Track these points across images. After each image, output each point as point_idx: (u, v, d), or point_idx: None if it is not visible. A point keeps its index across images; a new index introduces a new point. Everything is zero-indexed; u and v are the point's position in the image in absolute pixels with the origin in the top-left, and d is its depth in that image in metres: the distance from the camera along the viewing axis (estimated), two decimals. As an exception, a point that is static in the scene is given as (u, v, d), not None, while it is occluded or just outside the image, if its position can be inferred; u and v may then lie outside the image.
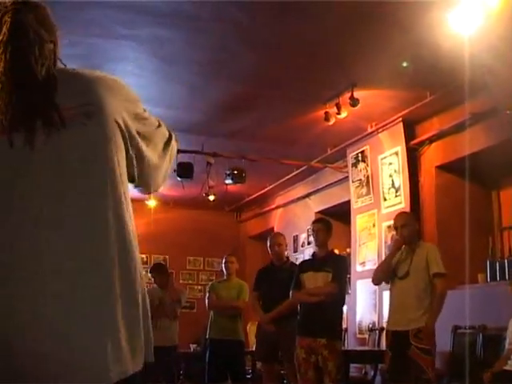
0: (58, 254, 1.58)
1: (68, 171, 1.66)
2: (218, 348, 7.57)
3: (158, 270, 8.17)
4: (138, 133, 1.85)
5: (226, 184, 9.44)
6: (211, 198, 10.40)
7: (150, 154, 1.91)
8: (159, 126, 1.98)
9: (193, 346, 11.38)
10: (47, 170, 1.64)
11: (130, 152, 1.82)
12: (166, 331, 7.51)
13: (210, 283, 8.46)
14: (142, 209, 10.85)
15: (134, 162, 1.84)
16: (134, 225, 1.77)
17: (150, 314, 1.76)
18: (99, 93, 1.75)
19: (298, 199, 11.17)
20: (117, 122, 1.75)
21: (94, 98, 1.73)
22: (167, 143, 2.00)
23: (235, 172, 9.07)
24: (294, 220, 11.34)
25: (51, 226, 1.61)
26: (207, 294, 8.02)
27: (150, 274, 8.19)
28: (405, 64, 6.28)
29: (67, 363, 1.54)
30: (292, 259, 8.36)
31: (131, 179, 1.86)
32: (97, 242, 1.64)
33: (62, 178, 1.65)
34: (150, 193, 2.07)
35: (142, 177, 1.90)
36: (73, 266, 1.59)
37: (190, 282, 13.44)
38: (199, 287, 13.41)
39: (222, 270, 8.22)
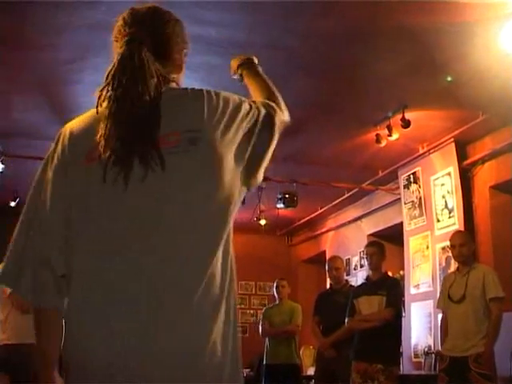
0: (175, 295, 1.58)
1: (168, 209, 1.62)
2: (274, 373, 7.56)
3: None
4: (249, 134, 1.79)
5: (278, 208, 9.46)
6: (262, 222, 10.43)
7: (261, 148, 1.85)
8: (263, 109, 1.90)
9: (246, 371, 11.35)
10: (142, 207, 1.63)
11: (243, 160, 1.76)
12: None
13: (264, 309, 8.45)
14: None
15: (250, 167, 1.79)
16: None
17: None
18: (203, 117, 1.70)
19: (350, 222, 11.11)
20: (221, 145, 1.69)
21: (198, 124, 1.69)
22: (272, 124, 1.91)
23: (287, 196, 9.09)
24: (346, 243, 11.29)
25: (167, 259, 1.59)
26: (260, 322, 8.02)
27: None
28: (449, 79, 6.23)
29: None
30: (345, 282, 8.32)
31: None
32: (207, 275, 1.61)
33: (161, 216, 1.62)
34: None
35: (255, 175, 1.84)
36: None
37: (242, 306, 13.42)
38: (251, 311, 13.39)
39: (273, 295, 8.22)
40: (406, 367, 8.47)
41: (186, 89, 1.79)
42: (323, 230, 12.22)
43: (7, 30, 5.44)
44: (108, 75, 1.73)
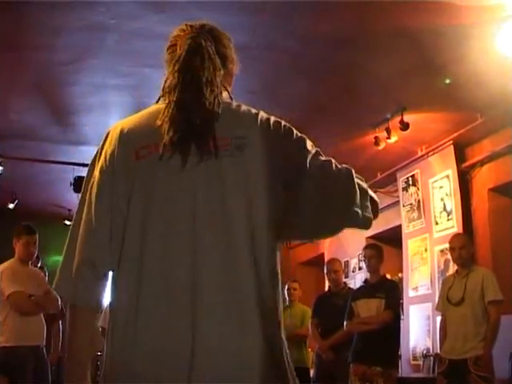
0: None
1: (209, 201, 1.68)
2: None
3: None
4: (301, 171, 1.82)
5: (276, 210, 9.44)
6: (261, 224, 10.39)
7: (315, 194, 1.83)
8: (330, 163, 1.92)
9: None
10: (197, 191, 1.68)
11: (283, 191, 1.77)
12: None
13: None
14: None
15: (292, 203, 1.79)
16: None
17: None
18: (255, 130, 1.77)
19: (348, 224, 11.08)
20: (268, 160, 1.75)
21: (249, 134, 1.76)
22: (350, 180, 1.92)
23: (285, 198, 9.08)
24: (345, 245, 11.27)
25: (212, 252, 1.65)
26: None
27: None
28: (447, 81, 6.23)
29: None
30: (343, 285, 8.31)
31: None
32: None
33: (205, 205, 1.68)
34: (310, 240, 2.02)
35: (302, 221, 1.84)
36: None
37: (241, 308, 13.39)
38: (250, 314, 13.37)
39: (284, 297, 8.20)
40: (404, 370, 8.46)
41: (240, 105, 1.88)
42: (322, 232, 12.18)
43: (3, 31, 5.43)
44: (174, 63, 1.77)
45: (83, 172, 8.38)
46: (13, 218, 8.30)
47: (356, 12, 5.15)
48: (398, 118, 6.99)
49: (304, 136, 1.91)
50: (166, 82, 1.79)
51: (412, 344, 8.43)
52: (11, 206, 9.58)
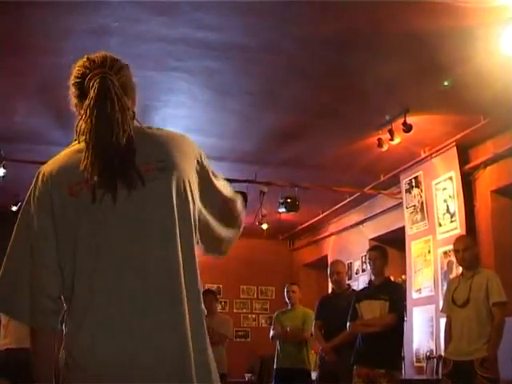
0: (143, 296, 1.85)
1: (144, 220, 1.89)
2: (284, 377, 7.55)
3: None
4: (204, 186, 2.08)
5: (280, 212, 9.45)
6: (264, 226, 10.41)
7: (212, 217, 2.11)
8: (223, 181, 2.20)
9: (247, 376, 11.34)
10: (127, 221, 1.88)
11: (196, 206, 2.02)
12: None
13: (275, 313, 8.41)
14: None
15: (199, 219, 2.03)
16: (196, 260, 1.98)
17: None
18: (171, 152, 1.97)
19: (352, 226, 11.10)
20: (185, 178, 1.96)
21: (166, 156, 1.95)
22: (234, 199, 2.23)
23: (288, 200, 9.08)
24: (348, 247, 11.27)
25: (136, 268, 1.86)
26: (272, 325, 8.00)
27: None
28: (446, 83, 6.22)
29: None
30: (347, 287, 8.31)
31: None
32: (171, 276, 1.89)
33: (141, 227, 1.89)
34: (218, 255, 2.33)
35: (206, 240, 2.12)
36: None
37: (244, 310, 13.40)
38: (253, 316, 13.37)
39: (283, 300, 8.19)
40: (407, 372, 8.45)
41: (151, 127, 2.06)
42: (325, 234, 12.20)
43: (9, 35, 5.44)
44: (86, 108, 1.89)
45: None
46: (16, 221, 8.32)
47: (358, 13, 5.14)
48: (401, 120, 6.99)
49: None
50: (78, 125, 1.93)
51: (415, 346, 8.42)
52: (14, 208, 9.57)
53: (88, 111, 1.88)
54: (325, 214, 11.35)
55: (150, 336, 1.80)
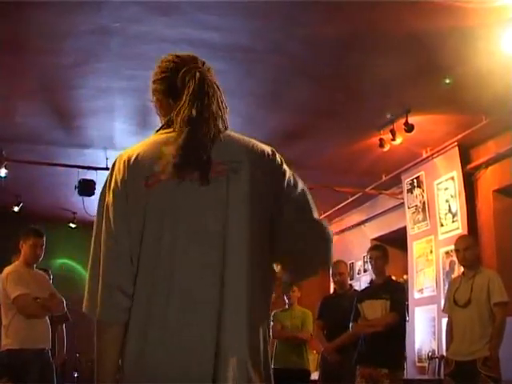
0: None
1: (208, 215, 1.86)
2: (282, 377, 7.53)
3: None
4: (285, 200, 2.00)
5: (282, 213, 9.42)
6: (267, 226, 10.40)
7: (300, 223, 2.02)
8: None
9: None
10: (199, 218, 1.85)
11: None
12: None
13: (273, 313, 8.40)
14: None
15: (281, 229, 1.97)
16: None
17: None
18: (248, 157, 1.93)
19: (353, 226, 11.10)
20: (257, 183, 1.91)
21: (242, 159, 1.91)
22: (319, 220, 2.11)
23: (290, 201, 9.06)
24: (350, 247, 11.27)
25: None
26: (271, 324, 7.99)
27: None
28: (447, 81, 6.22)
29: None
30: (348, 287, 8.30)
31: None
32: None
33: (207, 228, 1.85)
34: (292, 283, 2.37)
35: (286, 252, 2.02)
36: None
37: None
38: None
39: (283, 300, 8.18)
40: (409, 372, 8.44)
41: (233, 132, 2.03)
42: (327, 234, 12.17)
43: (10, 35, 5.44)
44: (186, 99, 1.89)
45: (88, 175, 8.39)
46: (17, 221, 8.32)
47: (361, 14, 5.14)
48: (403, 120, 6.99)
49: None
50: (179, 113, 1.89)
51: (417, 346, 8.41)
52: (16, 208, 9.59)
53: (188, 101, 1.88)
54: (326, 214, 11.33)
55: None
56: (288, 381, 7.41)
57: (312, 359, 8.55)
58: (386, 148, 7.47)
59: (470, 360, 5.29)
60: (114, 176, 1.91)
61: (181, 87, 1.94)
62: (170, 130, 1.94)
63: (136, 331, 1.80)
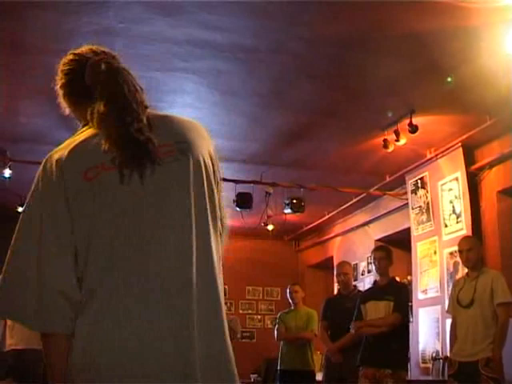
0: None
1: (165, 204, 1.80)
2: (288, 379, 7.54)
3: None
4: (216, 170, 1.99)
5: (285, 213, 9.44)
6: (270, 227, 10.42)
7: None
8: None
9: (253, 376, 11.33)
10: (152, 200, 1.79)
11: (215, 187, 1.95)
12: None
13: (279, 314, 8.41)
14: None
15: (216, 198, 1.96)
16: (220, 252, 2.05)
17: None
18: (189, 133, 1.91)
19: (357, 227, 11.09)
20: (203, 159, 1.90)
21: (186, 138, 1.89)
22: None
23: (294, 201, 9.08)
24: (354, 248, 11.26)
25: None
26: (276, 326, 7.99)
27: None
28: (449, 79, 6.21)
29: None
30: (352, 288, 8.30)
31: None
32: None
33: (161, 210, 1.79)
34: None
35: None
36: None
37: (250, 311, 13.40)
38: (258, 317, 13.37)
39: (288, 301, 8.19)
40: (413, 372, 8.44)
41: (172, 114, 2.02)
42: (331, 235, 12.20)
43: (14, 36, 5.46)
44: (99, 92, 1.84)
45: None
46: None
47: (364, 14, 5.14)
48: (407, 121, 6.98)
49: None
50: (98, 108, 1.82)
51: (421, 347, 8.40)
52: (20, 209, 9.59)
53: (102, 94, 1.83)
54: (330, 214, 11.35)
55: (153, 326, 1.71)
56: (293, 382, 7.43)
57: (316, 360, 8.56)
58: (391, 149, 7.47)
59: (473, 361, 5.29)
60: (45, 176, 1.83)
61: (90, 83, 1.89)
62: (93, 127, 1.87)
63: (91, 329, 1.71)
